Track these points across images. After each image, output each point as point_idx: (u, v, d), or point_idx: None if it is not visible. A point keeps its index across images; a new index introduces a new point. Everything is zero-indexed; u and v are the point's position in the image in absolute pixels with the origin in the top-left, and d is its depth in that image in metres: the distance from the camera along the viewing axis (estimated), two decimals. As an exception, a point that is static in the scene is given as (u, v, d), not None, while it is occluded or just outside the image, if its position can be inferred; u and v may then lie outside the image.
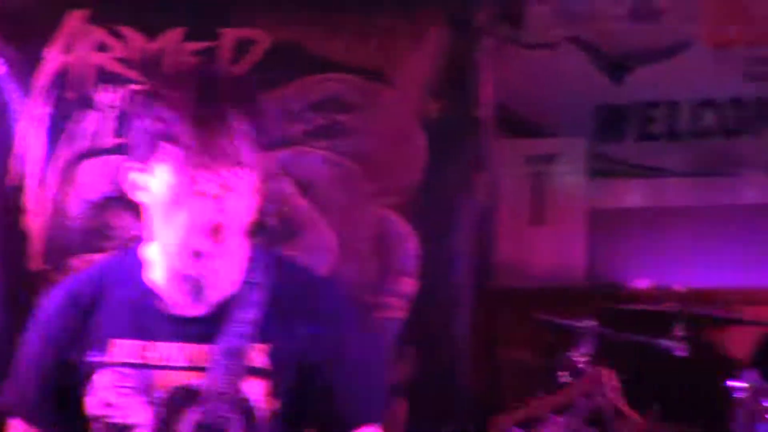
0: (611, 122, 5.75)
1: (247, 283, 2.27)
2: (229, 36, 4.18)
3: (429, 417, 4.23)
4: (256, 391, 2.18)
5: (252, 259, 2.35)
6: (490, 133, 4.77)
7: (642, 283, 5.62)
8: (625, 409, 1.58)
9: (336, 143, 4.12)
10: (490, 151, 4.58)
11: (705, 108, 5.72)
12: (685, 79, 5.70)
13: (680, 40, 5.71)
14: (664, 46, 5.72)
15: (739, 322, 5.34)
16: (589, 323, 3.63)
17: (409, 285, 4.14)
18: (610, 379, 1.57)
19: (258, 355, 2.19)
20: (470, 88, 4.34)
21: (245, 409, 2.18)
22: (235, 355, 2.17)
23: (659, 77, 5.70)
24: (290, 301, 2.25)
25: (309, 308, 2.26)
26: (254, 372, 2.19)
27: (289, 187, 4.11)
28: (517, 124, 5.74)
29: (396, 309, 4.15)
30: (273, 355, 2.19)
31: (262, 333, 2.21)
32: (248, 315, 2.20)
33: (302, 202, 4.10)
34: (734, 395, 3.62)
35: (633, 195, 5.76)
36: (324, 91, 4.13)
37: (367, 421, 2.28)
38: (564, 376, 3.79)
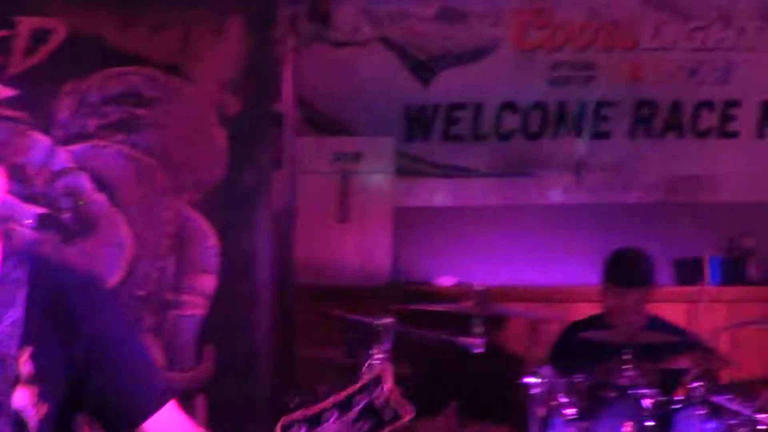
0: (418, 122, 5.82)
1: (5, 283, 2.16)
2: (25, 25, 4.04)
3: (230, 415, 4.18)
4: (23, 398, 2.09)
5: (6, 258, 2.23)
6: (293, 130, 4.74)
7: (446, 281, 5.71)
8: (403, 405, 1.59)
9: (134, 138, 4.02)
10: (294, 149, 4.55)
11: (509, 110, 5.85)
12: (490, 82, 5.82)
13: (486, 44, 5.83)
14: (470, 49, 5.82)
15: (538, 319, 5.48)
16: (388, 321, 3.65)
17: (208, 282, 4.09)
18: (388, 376, 1.57)
19: (23, 360, 2.10)
20: (272, 85, 4.30)
21: (16, 421, 2.08)
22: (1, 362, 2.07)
23: (465, 79, 5.81)
24: (50, 300, 2.17)
25: (70, 307, 2.18)
26: (21, 379, 2.09)
27: (85, 182, 4.00)
28: (323, 123, 5.75)
29: (195, 306, 4.09)
30: (37, 358, 2.11)
31: (25, 335, 2.12)
32: (10, 316, 2.10)
33: (99, 197, 4.00)
34: (530, 391, 3.70)
35: (438, 194, 5.86)
36: (122, 84, 4.03)
37: (152, 409, 2.21)
38: (366, 374, 3.80)
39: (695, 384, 4.05)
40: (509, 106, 5.84)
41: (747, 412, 3.82)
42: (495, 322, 5.43)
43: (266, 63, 4.21)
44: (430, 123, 5.81)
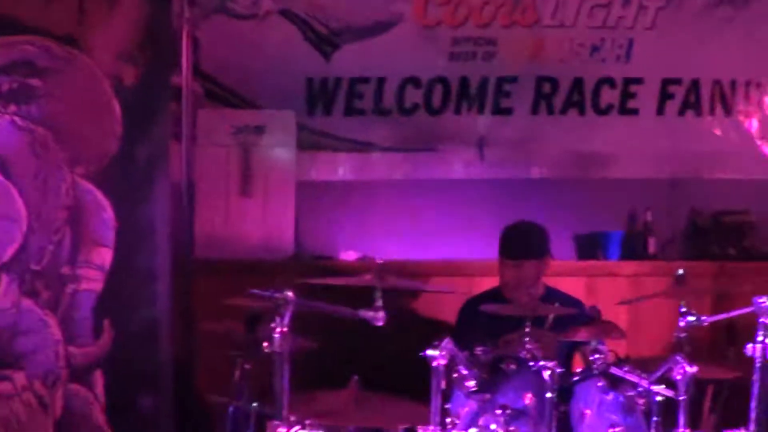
0: (320, 96, 5.78)
1: None
2: None
3: (128, 389, 4.13)
4: None
5: None
6: (192, 102, 4.68)
7: (349, 256, 5.71)
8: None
9: (26, 109, 3.93)
10: (193, 121, 4.50)
11: (411, 85, 5.85)
12: (392, 57, 5.81)
13: (388, 18, 5.81)
14: (372, 23, 5.80)
15: (440, 292, 5.52)
16: (288, 295, 3.62)
17: (105, 256, 4.02)
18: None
19: None
20: (169, 56, 4.23)
21: None
22: None
23: (367, 54, 5.79)
24: None
25: None
26: None
27: (-25, 154, 3.91)
28: (225, 95, 5.68)
29: (92, 281, 4.03)
30: None
31: None
32: None
33: (-11, 170, 3.91)
34: (432, 364, 3.71)
35: (341, 168, 5.85)
36: (14, 53, 3.93)
37: None
38: (268, 347, 3.78)
39: (594, 356, 4.09)
40: (411, 80, 5.84)
41: (644, 383, 3.88)
42: (398, 296, 5.44)
43: (163, 34, 4.15)
44: (333, 97, 5.78)
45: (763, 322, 3.67)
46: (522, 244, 4.93)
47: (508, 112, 5.93)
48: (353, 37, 5.78)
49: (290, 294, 3.64)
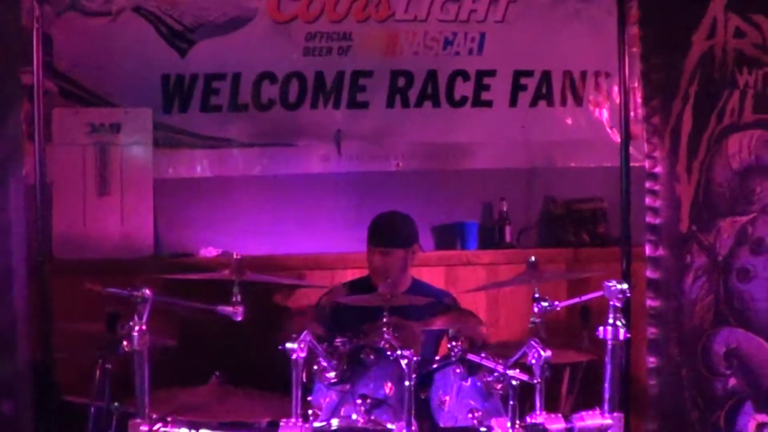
0: (176, 93, 5.73)
1: None
2: None
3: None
4: None
5: None
6: (46, 102, 4.59)
7: (209, 252, 5.69)
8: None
9: None
10: (47, 121, 4.41)
11: (267, 80, 5.84)
12: (247, 52, 5.78)
13: (242, 14, 5.78)
14: (226, 20, 5.76)
15: (300, 286, 5.55)
16: (145, 292, 3.61)
17: (-42, 258, 3.94)
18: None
19: None
20: (20, 54, 4.14)
21: None
22: None
23: (223, 50, 5.75)
24: None
25: None
26: None
27: None
28: (80, 94, 5.58)
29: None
30: None
31: None
32: None
33: None
34: (291, 357, 3.72)
35: (199, 165, 5.80)
36: None
37: None
38: (128, 346, 3.76)
39: (452, 344, 4.16)
40: (267, 76, 5.83)
41: (500, 368, 3.95)
42: (259, 291, 5.46)
43: (13, 31, 4.05)
44: (189, 93, 5.73)
45: (613, 304, 3.78)
46: (390, 232, 5.02)
47: (363, 105, 5.96)
48: (208, 33, 5.74)
49: (147, 292, 3.63)
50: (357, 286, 5.04)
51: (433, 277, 5.58)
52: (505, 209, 6.11)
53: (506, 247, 6.06)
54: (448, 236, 6.09)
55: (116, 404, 4.15)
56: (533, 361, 3.74)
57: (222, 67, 5.77)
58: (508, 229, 6.12)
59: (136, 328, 3.59)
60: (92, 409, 4.20)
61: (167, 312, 3.96)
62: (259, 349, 4.82)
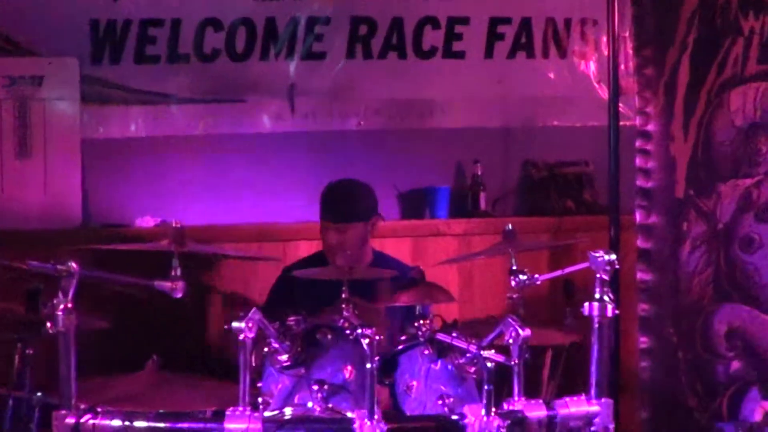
0: (107, 41, 5.67)
1: None
2: None
3: None
4: None
5: None
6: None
7: (146, 222, 5.66)
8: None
9: None
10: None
11: (211, 28, 5.79)
12: (189, -5, 5.76)
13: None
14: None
15: (249, 259, 5.53)
16: (71, 266, 3.55)
17: None
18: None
19: None
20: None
21: None
22: None
23: (159, -8, 5.72)
24: None
25: None
26: None
27: None
28: (-4, 42, 5.54)
29: None
30: None
31: None
32: None
33: None
34: (239, 338, 3.69)
35: (133, 123, 5.76)
36: None
37: None
38: (51, 328, 3.71)
39: (419, 323, 4.15)
40: (211, 23, 5.79)
41: (474, 349, 3.94)
42: (204, 265, 5.44)
43: None
44: (121, 42, 5.67)
45: (599, 278, 3.77)
46: (345, 205, 5.00)
47: (320, 56, 5.94)
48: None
49: (74, 265, 3.57)
50: (311, 263, 5.02)
51: (398, 249, 5.59)
52: (479, 173, 6.12)
53: (481, 216, 6.08)
54: (416, 204, 6.10)
55: (38, 394, 4.11)
56: (510, 341, 3.71)
57: (159, 12, 5.73)
58: (482, 195, 6.14)
59: (61, 306, 3.51)
60: (11, 400, 4.16)
61: (97, 289, 3.94)
62: (203, 329, 4.81)
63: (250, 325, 3.69)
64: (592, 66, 6.32)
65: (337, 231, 4.95)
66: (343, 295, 4.09)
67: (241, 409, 3.58)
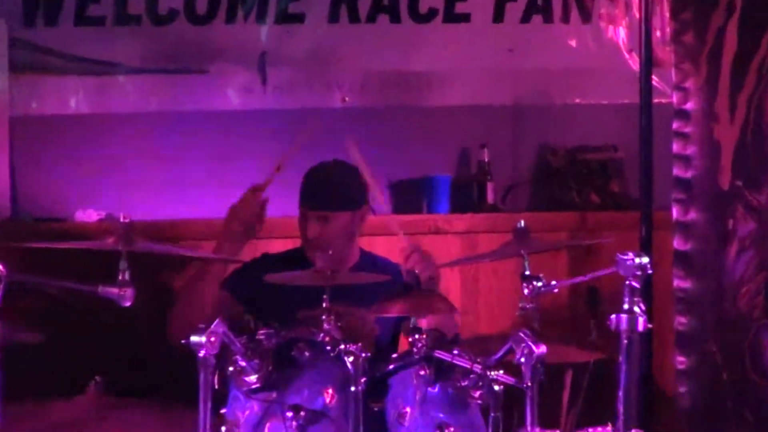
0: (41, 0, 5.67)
1: None
2: None
3: None
4: None
5: None
6: None
7: (88, 216, 5.66)
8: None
9: None
10: None
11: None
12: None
13: None
14: None
15: (216, 260, 5.51)
16: (-1, 267, 3.57)
17: None
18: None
19: None
20: None
21: None
22: None
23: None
24: None
25: None
26: None
27: None
28: None
29: None
30: None
31: None
32: None
33: None
34: (198, 355, 3.71)
35: (73, 98, 5.76)
36: None
37: None
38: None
39: (415, 337, 4.15)
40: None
41: (479, 369, 3.95)
42: (159, 267, 5.42)
43: None
44: (59, 1, 5.67)
45: (630, 285, 3.77)
46: (330, 189, 5.02)
47: (297, 19, 5.96)
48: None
49: (0, 267, 3.58)
50: (286, 262, 5.00)
51: (390, 249, 5.56)
52: (486, 160, 6.12)
53: (488, 210, 6.09)
54: (411, 195, 6.12)
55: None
56: (522, 360, 3.75)
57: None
58: (490, 186, 6.14)
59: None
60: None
61: (29, 295, 3.92)
62: (156, 344, 4.80)
63: (212, 339, 3.73)
64: (622, 33, 6.33)
65: (318, 221, 4.96)
66: (324, 304, 4.08)
67: (200, 440, 3.60)
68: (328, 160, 5.14)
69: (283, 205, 5.45)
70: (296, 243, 5.16)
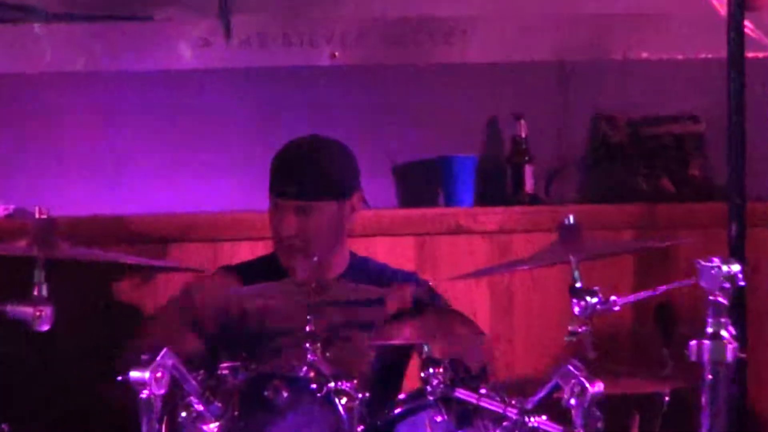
0: None
1: None
2: None
3: None
4: None
5: None
6: None
7: (-6, 210, 5.71)
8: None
9: None
10: None
11: None
12: None
13: None
14: None
15: (160, 270, 5.54)
16: None
17: None
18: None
19: None
20: None
21: None
22: None
23: None
24: None
25: None
26: None
27: None
28: None
29: None
30: None
31: None
32: None
33: None
34: (139, 395, 3.71)
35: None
36: None
37: None
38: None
39: (430, 371, 4.14)
40: None
41: (514, 414, 3.95)
42: (87, 279, 5.43)
43: None
44: None
45: (715, 301, 3.76)
46: (309, 172, 5.00)
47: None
48: None
49: None
50: (256, 272, 5.01)
51: (394, 253, 5.56)
52: (523, 135, 6.13)
53: (526, 203, 6.10)
54: (423, 183, 6.14)
55: None
56: (572, 402, 3.76)
57: None
58: (528, 170, 6.14)
59: None
60: None
61: None
62: (84, 381, 4.80)
63: (158, 374, 3.72)
64: (703, -36, 6.33)
65: (296, 214, 4.95)
66: (307, 328, 4.08)
67: None
68: (308, 135, 5.12)
69: (249, 197, 5.47)
70: (268, 247, 5.17)
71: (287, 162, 5.02)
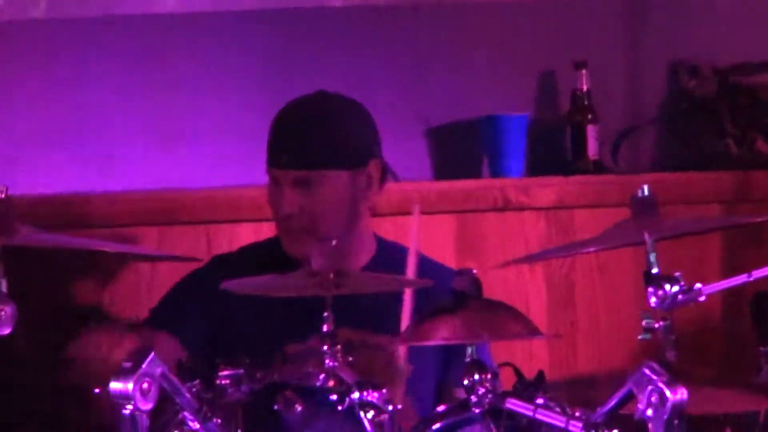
0: None
1: None
2: None
3: None
4: None
5: None
6: None
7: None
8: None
9: None
10: None
11: None
12: None
13: None
14: None
15: (143, 258, 5.59)
16: None
17: None
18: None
19: None
20: None
21: None
22: None
23: None
24: None
25: None
26: None
27: None
28: None
29: None
30: None
31: None
32: None
33: None
34: (119, 410, 3.75)
35: None
36: None
37: None
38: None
39: (476, 377, 4.19)
40: None
41: (578, 428, 3.98)
42: (57, 271, 5.49)
43: None
44: None
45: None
46: (311, 136, 5.04)
47: None
48: None
49: None
50: (258, 259, 5.07)
51: (428, 236, 5.60)
52: (585, 89, 6.17)
53: (590, 171, 6.16)
54: (463, 149, 6.17)
55: None
56: (650, 413, 3.79)
57: None
58: (592, 131, 6.19)
59: None
60: None
61: None
62: (54, 392, 4.86)
63: (144, 386, 3.75)
64: None
65: (296, 186, 4.98)
66: (325, 327, 4.13)
67: None
68: (314, 93, 5.14)
69: (249, 169, 5.51)
70: (272, 229, 5.23)
71: (286, 124, 5.06)
